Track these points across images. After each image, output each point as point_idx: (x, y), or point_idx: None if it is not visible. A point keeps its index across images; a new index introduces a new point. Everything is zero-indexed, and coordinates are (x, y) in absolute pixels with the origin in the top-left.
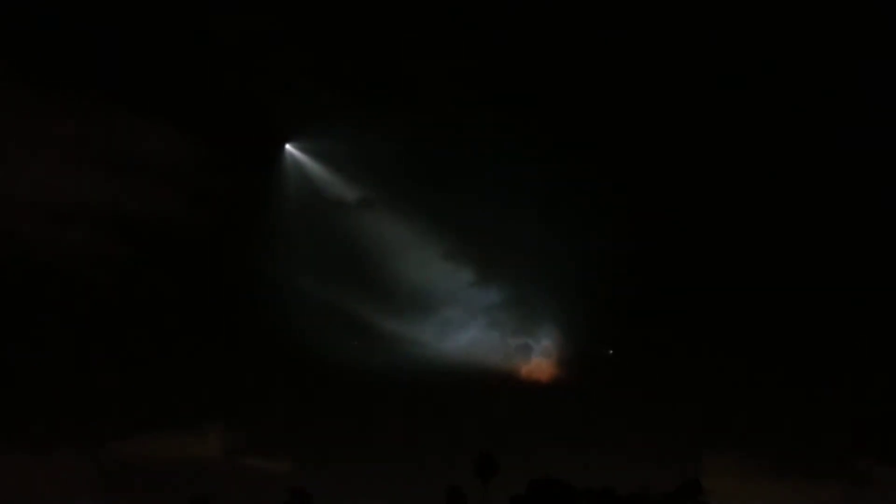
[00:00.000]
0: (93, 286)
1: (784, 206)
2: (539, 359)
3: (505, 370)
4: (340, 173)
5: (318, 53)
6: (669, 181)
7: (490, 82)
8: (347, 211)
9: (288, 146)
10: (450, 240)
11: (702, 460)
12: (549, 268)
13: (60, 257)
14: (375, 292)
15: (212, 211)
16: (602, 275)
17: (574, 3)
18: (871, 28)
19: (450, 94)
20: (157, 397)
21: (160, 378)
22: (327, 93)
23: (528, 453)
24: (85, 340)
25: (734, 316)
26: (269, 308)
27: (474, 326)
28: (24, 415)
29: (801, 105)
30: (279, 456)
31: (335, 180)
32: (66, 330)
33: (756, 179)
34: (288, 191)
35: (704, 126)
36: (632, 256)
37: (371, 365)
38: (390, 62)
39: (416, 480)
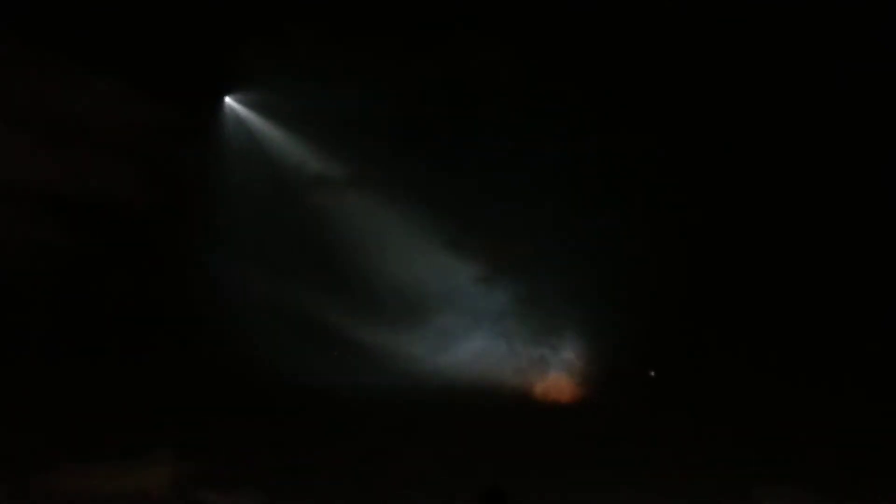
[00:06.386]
0: (17, 281)
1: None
2: (558, 375)
3: (517, 388)
4: (307, 139)
5: None
6: (724, 161)
7: (510, 31)
8: (321, 189)
9: (228, 99)
10: (451, 227)
11: (752, 496)
12: (572, 263)
13: None
14: (357, 294)
15: (164, 190)
16: (638, 274)
17: None
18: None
19: (456, 44)
20: (93, 418)
21: (96, 395)
22: (289, 31)
23: (544, 486)
24: (5, 347)
25: (793, 333)
26: (229, 313)
27: (480, 335)
28: None
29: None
30: (241, 490)
31: (301, 149)
32: None
33: (826, 166)
34: (233, 161)
35: (762, 102)
36: (675, 254)
37: (353, 383)
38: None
39: None
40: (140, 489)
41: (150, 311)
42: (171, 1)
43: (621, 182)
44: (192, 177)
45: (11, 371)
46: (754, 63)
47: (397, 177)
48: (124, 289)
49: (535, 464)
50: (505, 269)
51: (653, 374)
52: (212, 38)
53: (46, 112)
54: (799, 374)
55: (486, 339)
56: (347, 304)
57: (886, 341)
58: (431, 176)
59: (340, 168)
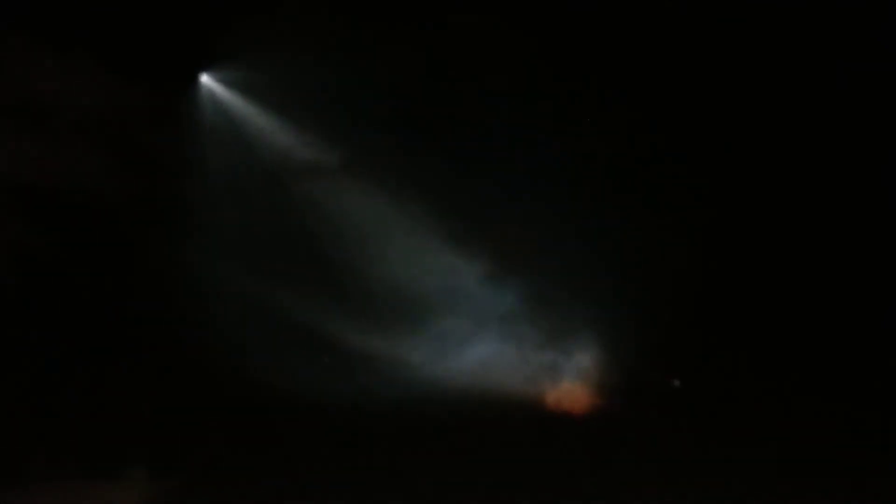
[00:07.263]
0: None
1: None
2: (573, 383)
3: (526, 397)
4: (295, 123)
5: None
6: (750, 154)
7: (521, 16)
8: (310, 180)
9: (204, 77)
10: (454, 220)
11: None
12: (588, 259)
13: None
14: (350, 294)
15: (132, 179)
16: (662, 272)
17: None
18: None
19: (466, 23)
20: (61, 434)
21: (65, 409)
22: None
23: None
24: None
25: (833, 335)
26: (207, 316)
27: (485, 339)
28: None
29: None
30: None
31: (288, 134)
32: None
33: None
34: (209, 147)
35: (769, 97)
36: (702, 250)
37: (346, 392)
38: None
39: None
40: None
41: (119, 314)
42: None
43: (643, 172)
44: (163, 165)
45: None
46: (759, 59)
47: (395, 166)
48: (90, 289)
49: (546, 480)
50: (513, 266)
51: (678, 383)
52: (185, 6)
53: (1, 93)
54: (843, 386)
55: (493, 344)
56: (340, 306)
57: None
58: (432, 165)
59: (332, 156)
